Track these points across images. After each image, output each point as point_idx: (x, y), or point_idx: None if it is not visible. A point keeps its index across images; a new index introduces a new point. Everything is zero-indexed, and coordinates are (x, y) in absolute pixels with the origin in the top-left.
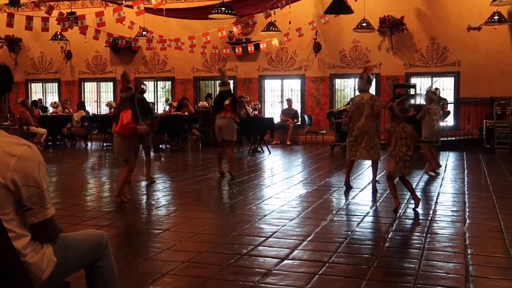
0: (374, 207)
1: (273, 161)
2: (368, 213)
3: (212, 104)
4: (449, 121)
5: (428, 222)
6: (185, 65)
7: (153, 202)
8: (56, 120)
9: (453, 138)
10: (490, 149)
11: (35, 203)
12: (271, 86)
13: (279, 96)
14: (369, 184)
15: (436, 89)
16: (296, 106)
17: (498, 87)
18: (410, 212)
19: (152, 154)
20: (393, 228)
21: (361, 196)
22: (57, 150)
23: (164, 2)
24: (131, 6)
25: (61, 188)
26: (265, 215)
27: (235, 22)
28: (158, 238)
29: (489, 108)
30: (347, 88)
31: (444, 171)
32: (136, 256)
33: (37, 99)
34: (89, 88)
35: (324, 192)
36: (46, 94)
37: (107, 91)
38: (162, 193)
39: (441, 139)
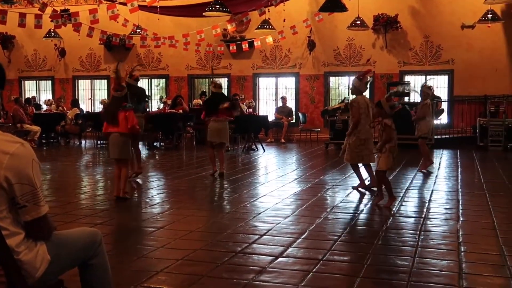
0: (368, 205)
1: (267, 159)
2: (362, 211)
3: (202, 105)
4: (443, 119)
5: (422, 219)
6: (179, 63)
7: (147, 200)
8: (50, 118)
9: (447, 136)
10: (484, 147)
11: (28, 201)
12: (265, 84)
13: (273, 94)
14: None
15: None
16: (291, 104)
17: (492, 85)
18: (404, 209)
19: (146, 152)
20: (387, 225)
21: (355, 194)
22: (51, 148)
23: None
24: (125, 4)
25: (55, 186)
26: (259, 213)
27: (229, 19)
28: (152, 236)
29: (482, 106)
30: (341, 86)
31: (438, 169)
32: (130, 254)
33: (30, 97)
34: (83, 85)
35: (318, 190)
36: (39, 92)
37: (101, 88)
38: (156, 191)
39: (435, 137)
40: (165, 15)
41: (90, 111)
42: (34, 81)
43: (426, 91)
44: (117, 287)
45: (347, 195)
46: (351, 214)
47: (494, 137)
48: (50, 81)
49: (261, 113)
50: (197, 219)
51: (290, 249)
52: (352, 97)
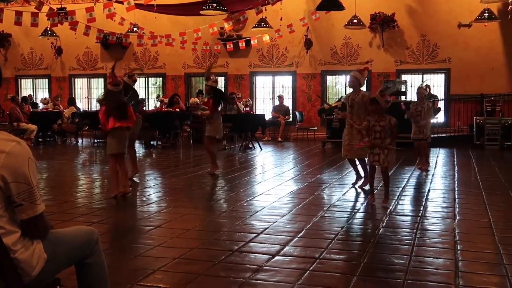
0: (365, 204)
1: (264, 157)
2: (359, 209)
3: (214, 102)
4: (440, 117)
5: (419, 218)
6: (176, 62)
7: (144, 199)
8: (46, 117)
9: (443, 135)
10: (480, 146)
11: (25, 200)
12: (262, 83)
13: (270, 93)
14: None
15: (427, 86)
16: (288, 102)
17: (488, 84)
18: (400, 208)
19: (143, 150)
20: (384, 224)
21: (352, 193)
22: (48, 147)
23: None
24: (121, 2)
25: (52, 185)
26: (256, 212)
27: (226, 18)
28: (149, 234)
29: (479, 105)
30: (338, 84)
31: (435, 167)
32: (127, 252)
33: (27, 95)
34: (80, 84)
35: (315, 189)
36: (36, 90)
37: (98, 87)
38: (153, 190)
39: (432, 135)
40: (162, 13)
41: (86, 109)
42: (31, 80)
43: (423, 92)
44: (113, 286)
45: (344, 194)
46: (348, 213)
47: (490, 136)
48: (46, 80)
49: (258, 112)
50: (193, 217)
51: (286, 248)
52: (349, 90)
